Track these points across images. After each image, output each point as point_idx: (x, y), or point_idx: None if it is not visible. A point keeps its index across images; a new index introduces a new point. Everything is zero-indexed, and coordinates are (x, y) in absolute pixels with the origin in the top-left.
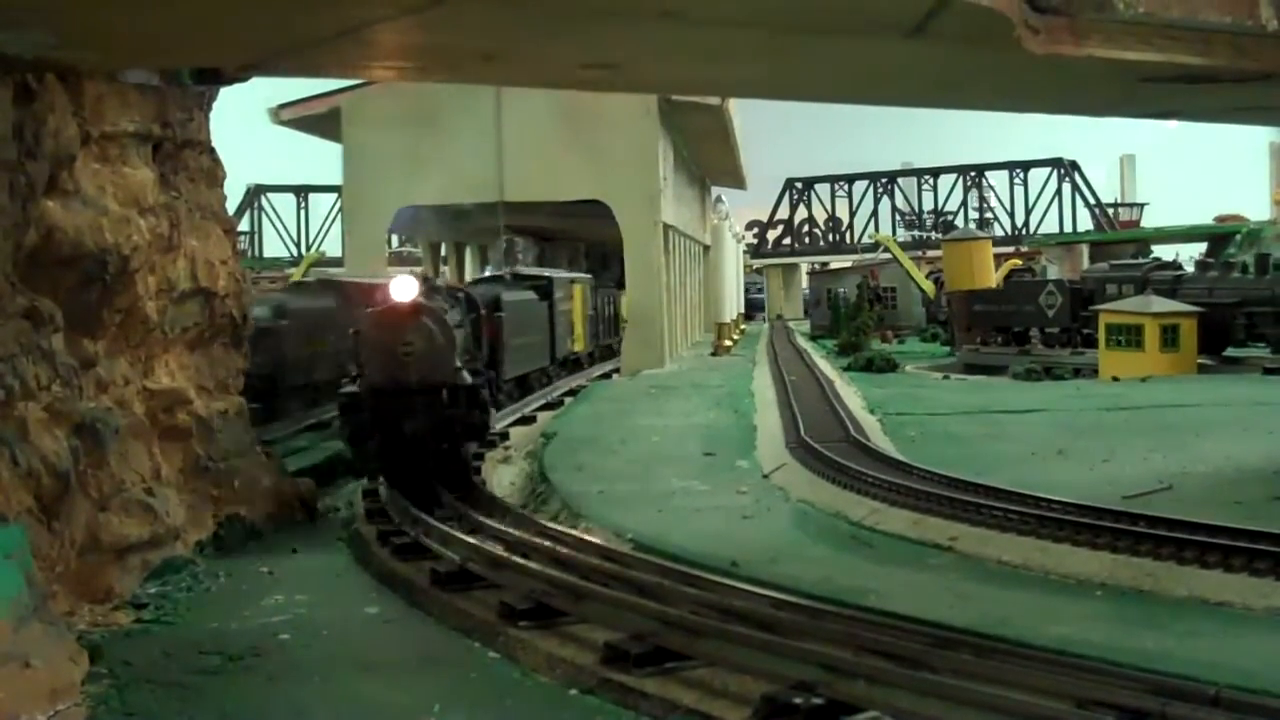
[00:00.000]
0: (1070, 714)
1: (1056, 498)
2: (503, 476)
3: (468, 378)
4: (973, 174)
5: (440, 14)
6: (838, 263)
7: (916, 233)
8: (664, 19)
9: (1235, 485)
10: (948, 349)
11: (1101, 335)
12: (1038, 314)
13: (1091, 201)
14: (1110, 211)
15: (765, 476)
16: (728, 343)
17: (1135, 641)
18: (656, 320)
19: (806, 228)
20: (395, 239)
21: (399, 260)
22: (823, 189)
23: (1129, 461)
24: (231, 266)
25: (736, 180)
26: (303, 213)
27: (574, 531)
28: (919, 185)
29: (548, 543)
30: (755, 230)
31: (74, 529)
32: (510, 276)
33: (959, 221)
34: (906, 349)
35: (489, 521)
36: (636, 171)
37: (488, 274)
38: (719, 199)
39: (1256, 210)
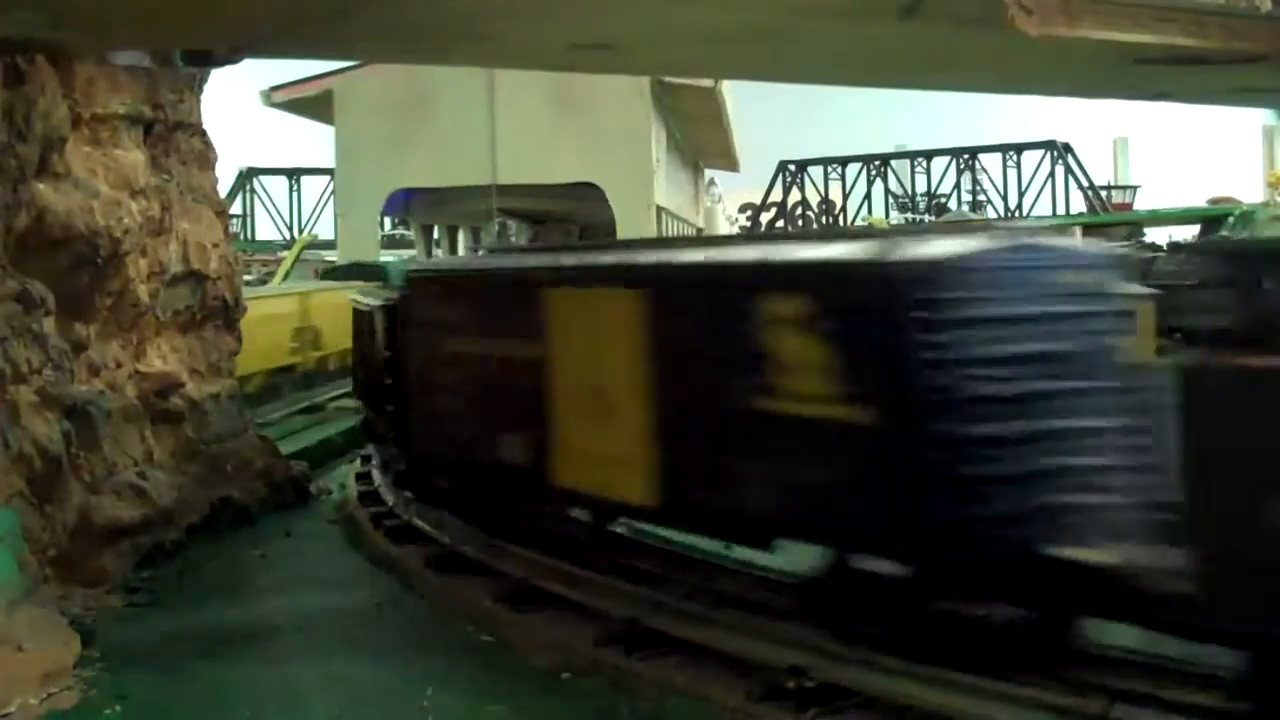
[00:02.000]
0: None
1: None
2: None
3: None
4: (966, 156)
5: None
6: None
7: (910, 215)
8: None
9: None
10: None
11: None
12: None
13: (1084, 184)
14: (1103, 194)
15: None
16: None
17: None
18: None
19: (800, 210)
20: (388, 221)
21: (391, 243)
22: (816, 171)
23: None
24: (223, 249)
25: (729, 163)
26: (295, 195)
27: None
28: (912, 168)
29: None
30: (748, 213)
31: (66, 512)
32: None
33: (952, 204)
34: None
35: None
36: (629, 154)
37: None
38: (712, 181)
39: (1250, 193)
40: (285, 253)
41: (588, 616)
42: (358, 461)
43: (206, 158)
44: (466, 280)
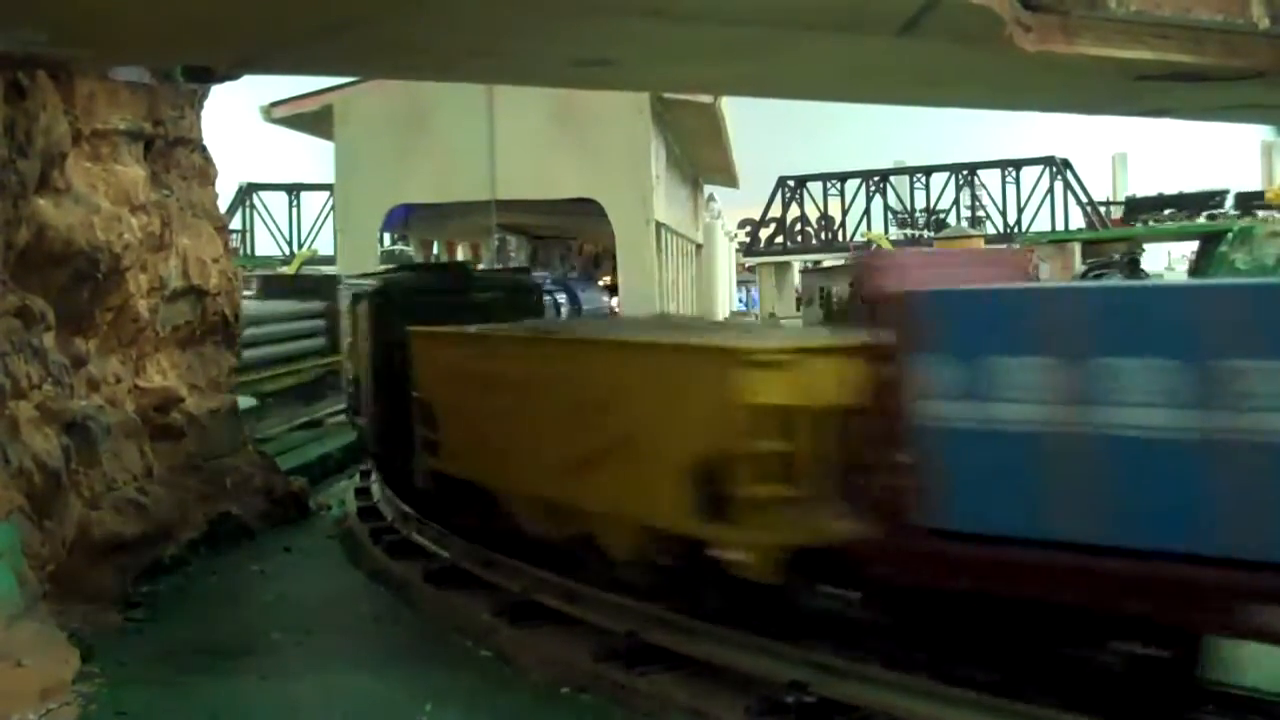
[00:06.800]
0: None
1: None
2: None
3: None
4: (965, 172)
5: (431, 10)
6: (830, 261)
7: (909, 231)
8: (653, 16)
9: None
10: None
11: None
12: None
13: (1083, 200)
14: (1102, 210)
15: None
16: None
17: None
18: None
19: (799, 226)
20: (387, 237)
21: (391, 259)
22: (815, 187)
23: None
24: (223, 265)
25: (729, 179)
26: (294, 211)
27: None
28: (911, 184)
29: None
30: (748, 228)
31: (65, 528)
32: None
33: (951, 220)
34: None
35: None
36: (629, 170)
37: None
38: (711, 197)
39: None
40: (285, 268)
41: (587, 631)
42: (357, 477)
43: (206, 173)
44: None
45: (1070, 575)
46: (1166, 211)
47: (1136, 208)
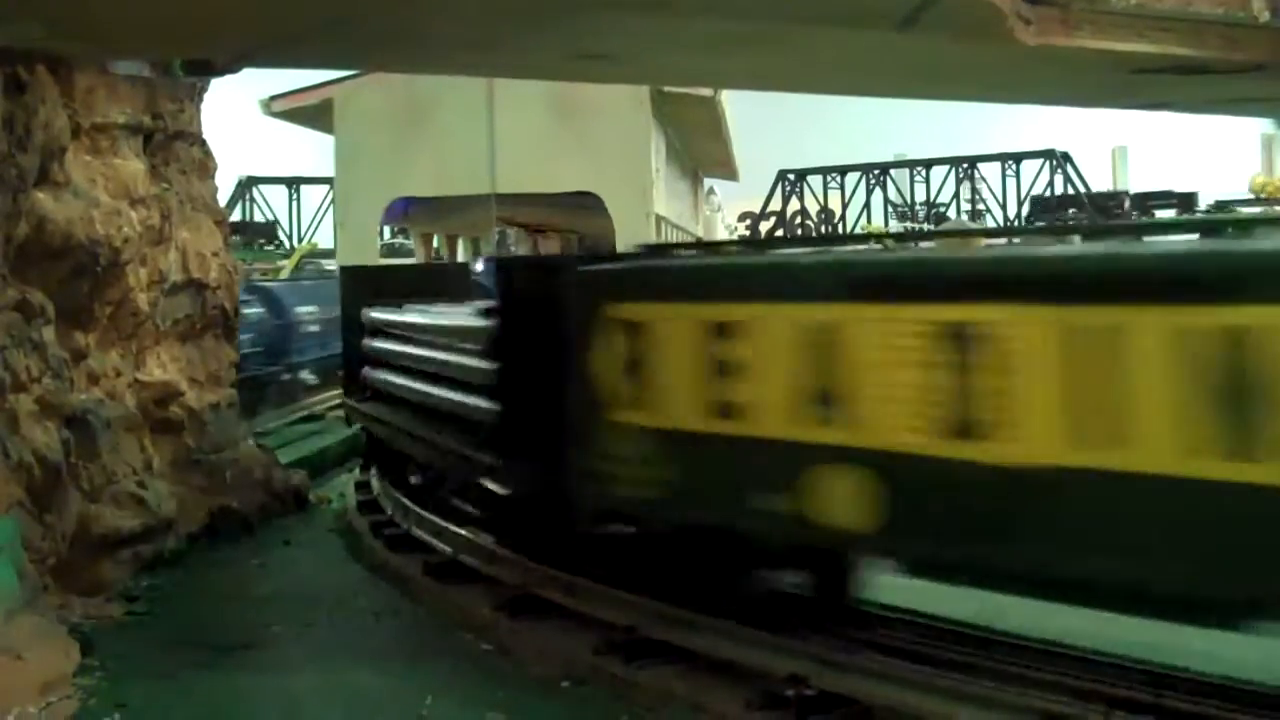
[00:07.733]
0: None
1: None
2: None
3: None
4: (965, 166)
5: (430, 4)
6: None
7: (909, 224)
8: (653, 9)
9: None
10: None
11: None
12: None
13: (1084, 193)
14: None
15: None
16: None
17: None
18: None
19: (799, 219)
20: (387, 230)
21: (391, 252)
22: (815, 180)
23: None
24: (223, 258)
25: (729, 172)
26: (294, 204)
27: None
28: (911, 177)
29: None
30: (748, 222)
31: (65, 521)
32: None
33: (951, 213)
34: None
35: None
36: (628, 163)
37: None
38: (711, 190)
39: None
40: (284, 262)
41: (587, 625)
42: (356, 470)
43: (206, 167)
44: None
45: None
46: (1070, 211)
47: (1040, 207)
